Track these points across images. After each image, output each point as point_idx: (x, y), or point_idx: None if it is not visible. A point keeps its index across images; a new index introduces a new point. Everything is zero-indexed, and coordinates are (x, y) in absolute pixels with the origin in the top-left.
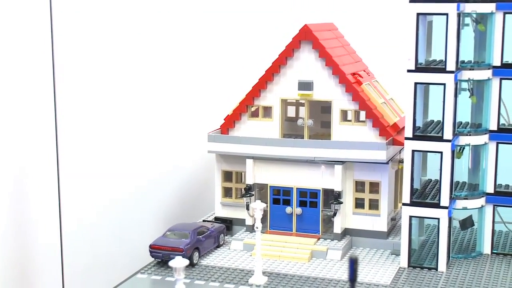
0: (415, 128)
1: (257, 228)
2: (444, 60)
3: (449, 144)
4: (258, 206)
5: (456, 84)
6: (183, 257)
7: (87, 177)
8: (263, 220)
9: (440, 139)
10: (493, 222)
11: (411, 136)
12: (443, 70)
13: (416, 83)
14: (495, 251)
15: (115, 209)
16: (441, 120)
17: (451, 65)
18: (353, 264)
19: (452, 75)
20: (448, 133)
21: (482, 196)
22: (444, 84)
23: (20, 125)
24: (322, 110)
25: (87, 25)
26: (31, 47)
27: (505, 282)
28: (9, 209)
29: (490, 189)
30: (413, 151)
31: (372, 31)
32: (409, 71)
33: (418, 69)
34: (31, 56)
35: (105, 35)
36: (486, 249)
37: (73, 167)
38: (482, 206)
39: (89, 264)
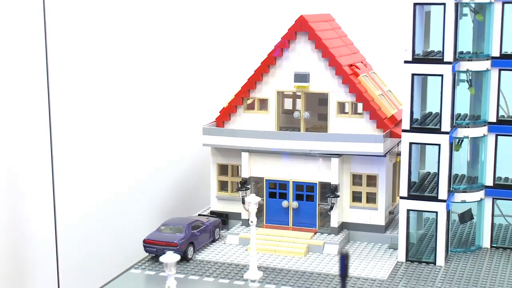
0: (412, 120)
1: (251, 222)
2: (441, 51)
3: (447, 136)
4: (252, 200)
5: (454, 75)
6: (177, 252)
7: (81, 172)
8: (259, 214)
9: (438, 131)
10: (493, 215)
11: (408, 128)
12: (440, 61)
13: (413, 74)
14: (495, 245)
15: (109, 204)
16: (439, 112)
17: (448, 56)
18: (344, 260)
19: (450, 66)
20: (446, 125)
21: (481, 189)
22: (442, 75)
23: (13, 120)
24: (319, 102)
25: (81, 18)
26: (24, 45)
27: (505, 276)
28: (3, 204)
29: (489, 182)
30: (411, 143)
31: (370, 22)
32: (406, 62)
33: (415, 60)
34: (25, 52)
35: (99, 30)
36: (486, 243)
37: (67, 162)
38: (481, 199)
39: (84, 259)
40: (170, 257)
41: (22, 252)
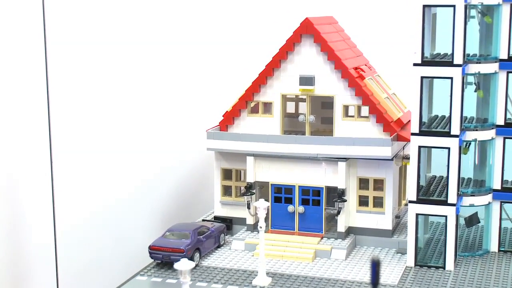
0: (421, 123)
1: (260, 227)
2: (449, 53)
3: (457, 139)
4: (261, 205)
5: (463, 78)
6: (184, 258)
7: (81, 176)
8: (264, 218)
9: (448, 134)
10: (500, 219)
11: (417, 131)
12: (450, 64)
13: (422, 77)
14: (502, 249)
15: (111, 209)
16: (449, 115)
17: (458, 59)
18: (375, 267)
19: (460, 68)
20: (455, 128)
21: (489, 193)
22: (452, 78)
23: (13, 124)
24: (322, 105)
25: (82, 22)
26: (24, 48)
27: None
28: (2, 210)
29: (497, 185)
30: (420, 147)
31: (372, 25)
32: (415, 64)
33: (425, 62)
34: (25, 55)
35: (101, 33)
36: (493, 247)
37: (67, 166)
38: (489, 202)
39: (84, 265)
40: (184, 265)
41: (20, 259)
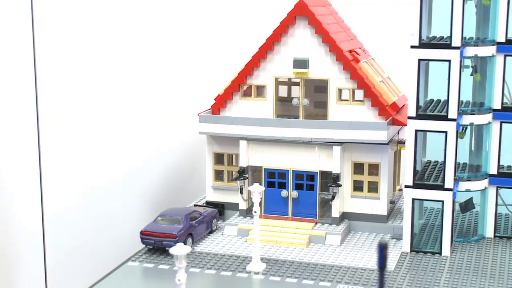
0: (418, 107)
1: (255, 212)
2: (445, 36)
3: (454, 123)
4: (256, 189)
5: (461, 60)
6: (176, 243)
7: (70, 161)
8: None
9: (445, 118)
10: (496, 204)
11: (414, 115)
12: (448, 46)
13: (419, 60)
14: (498, 234)
15: (100, 194)
16: (445, 98)
17: (456, 41)
18: (383, 251)
19: (458, 51)
20: (453, 112)
21: (485, 178)
22: (449, 61)
23: (0, 109)
24: (315, 89)
25: (71, 5)
26: (11, 39)
27: None
28: None
29: (493, 170)
30: (417, 131)
31: (365, 8)
32: (412, 47)
33: (422, 45)
34: (12, 45)
35: (88, 19)
36: (489, 232)
37: (55, 150)
38: (486, 188)
39: (74, 252)
40: (180, 249)
41: (8, 246)
